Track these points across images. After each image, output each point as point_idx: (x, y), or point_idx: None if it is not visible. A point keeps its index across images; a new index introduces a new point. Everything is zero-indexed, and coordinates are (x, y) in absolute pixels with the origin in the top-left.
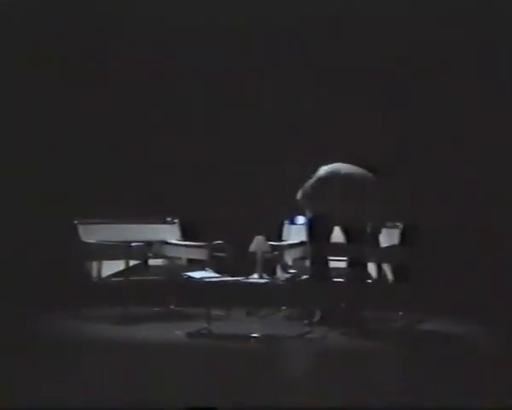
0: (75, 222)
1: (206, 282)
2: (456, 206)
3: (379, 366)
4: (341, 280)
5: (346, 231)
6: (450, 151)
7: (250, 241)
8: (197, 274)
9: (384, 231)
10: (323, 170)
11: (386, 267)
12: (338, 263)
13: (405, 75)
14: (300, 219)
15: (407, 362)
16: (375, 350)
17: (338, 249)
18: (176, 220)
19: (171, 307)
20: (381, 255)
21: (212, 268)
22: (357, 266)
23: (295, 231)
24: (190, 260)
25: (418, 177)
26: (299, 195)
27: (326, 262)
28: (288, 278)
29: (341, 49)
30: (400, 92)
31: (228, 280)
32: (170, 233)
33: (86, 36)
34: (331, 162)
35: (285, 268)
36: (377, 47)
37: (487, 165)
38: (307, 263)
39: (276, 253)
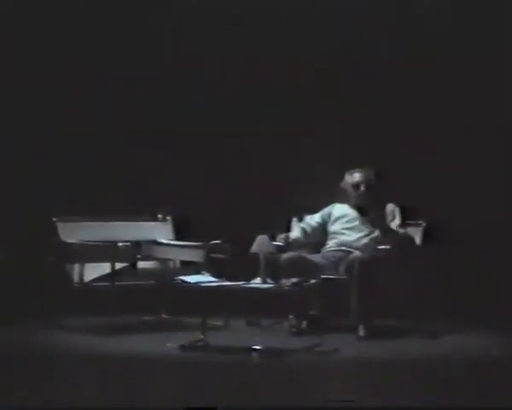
0: (54, 220)
1: (202, 287)
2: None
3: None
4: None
5: None
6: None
7: (252, 240)
8: (192, 278)
9: None
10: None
11: None
12: None
13: None
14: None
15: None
16: (393, 364)
17: None
18: (168, 217)
19: (163, 315)
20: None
21: (208, 272)
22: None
23: None
24: (184, 263)
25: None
26: None
27: None
28: (294, 283)
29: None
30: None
31: (227, 285)
32: (161, 232)
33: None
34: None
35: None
36: None
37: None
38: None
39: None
